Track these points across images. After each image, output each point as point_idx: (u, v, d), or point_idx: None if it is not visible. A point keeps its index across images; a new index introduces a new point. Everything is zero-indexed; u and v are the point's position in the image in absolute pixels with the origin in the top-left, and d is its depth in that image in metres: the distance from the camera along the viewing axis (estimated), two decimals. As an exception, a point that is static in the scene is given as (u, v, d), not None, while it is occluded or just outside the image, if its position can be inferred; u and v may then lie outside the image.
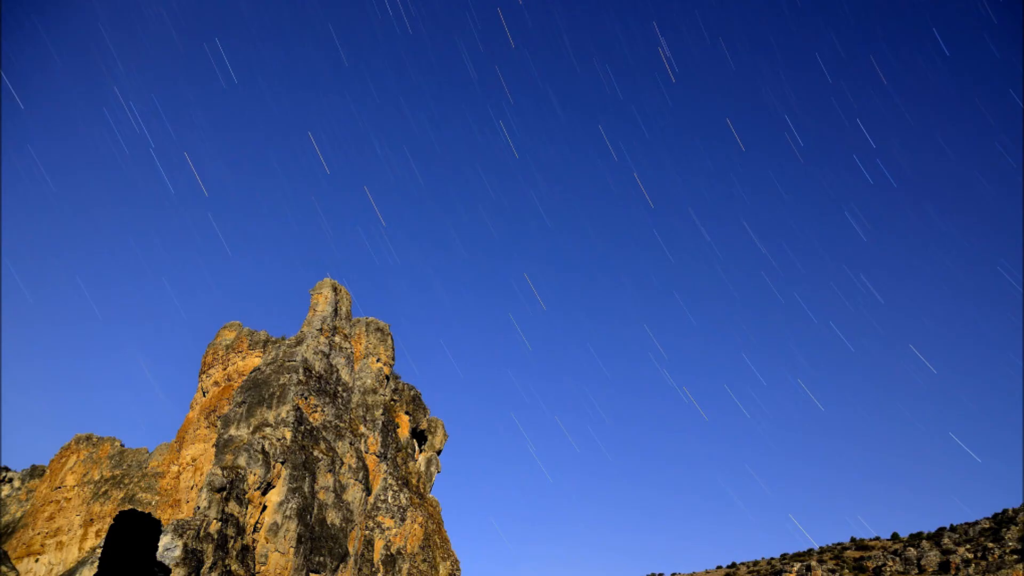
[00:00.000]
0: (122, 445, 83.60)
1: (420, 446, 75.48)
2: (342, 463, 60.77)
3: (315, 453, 58.49)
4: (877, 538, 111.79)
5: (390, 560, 60.65)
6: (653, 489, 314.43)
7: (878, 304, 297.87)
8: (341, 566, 56.25)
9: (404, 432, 71.88)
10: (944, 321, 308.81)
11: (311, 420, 60.46)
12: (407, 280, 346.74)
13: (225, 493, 48.81)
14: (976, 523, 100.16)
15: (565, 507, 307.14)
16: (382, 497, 63.35)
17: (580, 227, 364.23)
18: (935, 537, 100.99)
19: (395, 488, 64.60)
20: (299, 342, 65.51)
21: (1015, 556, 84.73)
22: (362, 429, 65.55)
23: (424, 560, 63.02)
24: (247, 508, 50.95)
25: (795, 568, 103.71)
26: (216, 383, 73.19)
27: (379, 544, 60.80)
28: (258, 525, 51.84)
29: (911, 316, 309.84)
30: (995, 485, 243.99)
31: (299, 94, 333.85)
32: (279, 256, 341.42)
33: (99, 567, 24.28)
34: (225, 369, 73.43)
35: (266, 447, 53.94)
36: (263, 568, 50.47)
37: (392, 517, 62.43)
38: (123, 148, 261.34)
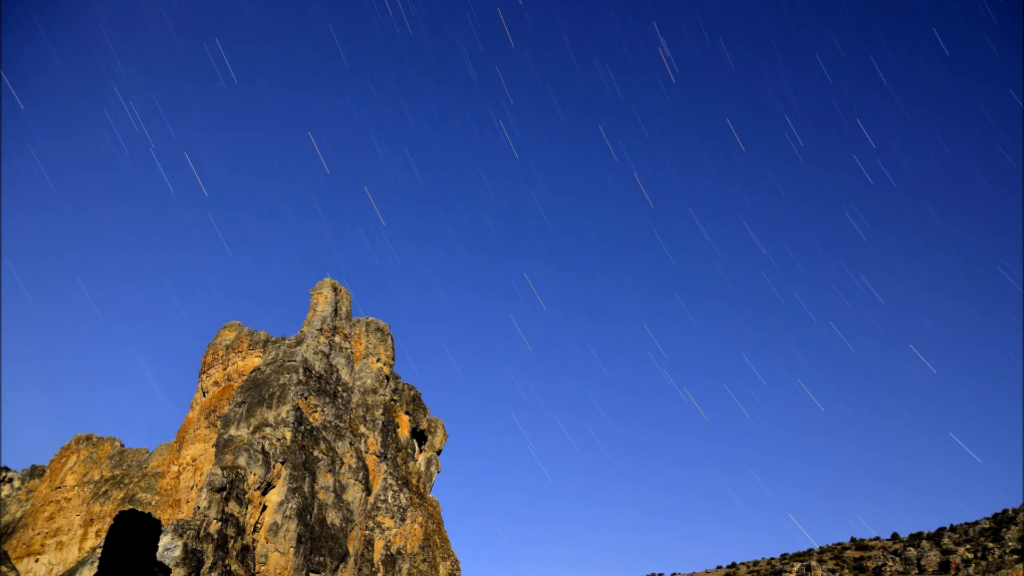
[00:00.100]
0: (122, 445, 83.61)
1: (420, 446, 75.49)
2: (342, 463, 60.77)
3: (315, 453, 58.50)
4: (877, 538, 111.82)
5: (390, 560, 60.66)
6: (653, 489, 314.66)
7: (878, 304, 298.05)
8: (341, 566, 56.25)
9: (404, 432, 71.89)
10: (944, 321, 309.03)
11: (311, 420, 60.47)
12: (407, 280, 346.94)
13: (225, 493, 48.82)
14: (976, 523, 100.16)
15: (565, 507, 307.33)
16: (382, 497, 63.36)
17: (580, 227, 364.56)
18: (935, 537, 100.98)
19: (395, 488, 64.61)
20: (299, 342, 65.52)
21: (1015, 556, 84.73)
22: (362, 429, 65.56)
23: (424, 560, 63.02)
24: (247, 508, 50.96)
25: (795, 568, 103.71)
26: (216, 383, 73.21)
27: (379, 544, 60.81)
28: (258, 525, 51.85)
29: (911, 316, 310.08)
30: (995, 485, 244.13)
31: (299, 94, 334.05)
32: (279, 256, 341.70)
33: (99, 567, 24.28)
34: (225, 369, 73.44)
35: (266, 447, 53.94)
36: (263, 568, 50.48)
37: (392, 517, 62.43)
38: (123, 148, 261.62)
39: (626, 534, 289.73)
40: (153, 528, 25.81)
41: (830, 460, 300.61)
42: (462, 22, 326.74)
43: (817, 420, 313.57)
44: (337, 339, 68.87)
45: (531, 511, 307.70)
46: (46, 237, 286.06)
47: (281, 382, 60.12)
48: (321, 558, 54.58)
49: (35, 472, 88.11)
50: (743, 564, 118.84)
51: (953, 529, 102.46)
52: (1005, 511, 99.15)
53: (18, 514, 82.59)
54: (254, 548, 50.68)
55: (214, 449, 58.86)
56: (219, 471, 49.94)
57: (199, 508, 47.46)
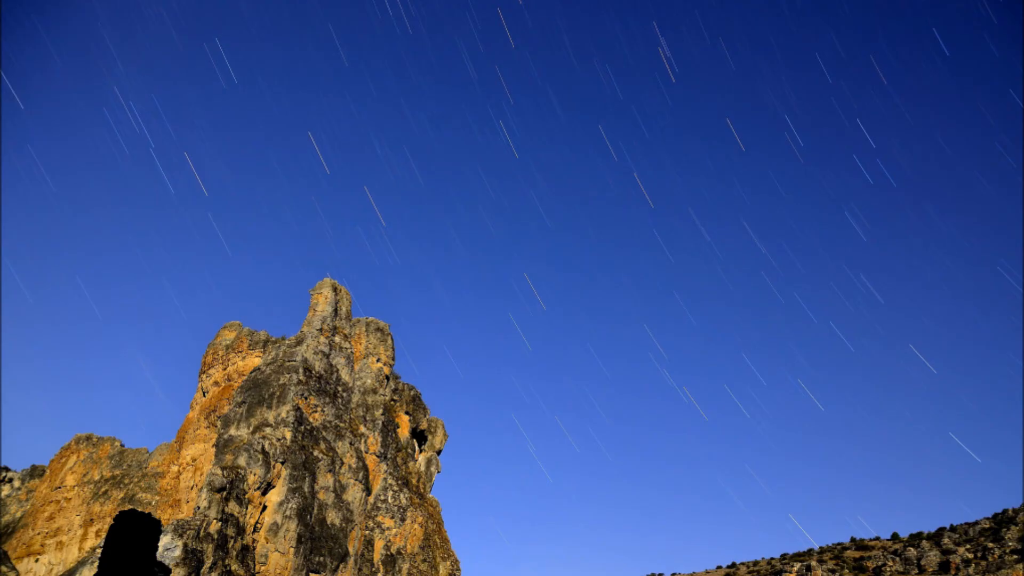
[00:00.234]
0: (122, 445, 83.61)
1: (420, 446, 75.49)
2: (342, 463, 60.77)
3: (315, 453, 58.50)
4: (877, 538, 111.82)
5: (390, 560, 60.66)
6: (653, 489, 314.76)
7: (878, 304, 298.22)
8: (341, 566, 56.25)
9: (404, 432, 71.89)
10: (944, 321, 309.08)
11: (311, 420, 60.47)
12: (407, 280, 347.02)
13: (225, 493, 48.81)
14: (976, 523, 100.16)
15: (565, 507, 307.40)
16: (382, 497, 63.36)
17: (580, 227, 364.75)
18: (935, 537, 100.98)
19: (395, 488, 64.61)
20: (299, 342, 65.52)
21: (1015, 556, 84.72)
22: (362, 429, 65.56)
23: (424, 560, 63.02)
24: (247, 508, 50.95)
25: (795, 568, 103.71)
26: (216, 383, 73.21)
27: (379, 544, 60.81)
28: (258, 525, 51.84)
29: (911, 316, 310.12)
30: (995, 485, 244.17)
31: (299, 94, 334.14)
32: (279, 256, 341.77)
33: (99, 567, 24.28)
34: (225, 369, 73.44)
35: (266, 447, 53.94)
36: (263, 568, 50.48)
37: (392, 517, 62.43)
38: (123, 148, 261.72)
39: (626, 534, 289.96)
40: (153, 528, 25.81)
41: (830, 460, 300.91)
42: (462, 22, 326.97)
43: (817, 420, 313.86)
44: (337, 339, 68.88)
45: (531, 511, 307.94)
46: (46, 237, 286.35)
47: (281, 382, 60.12)
48: (321, 558, 54.58)
49: (35, 472, 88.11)
50: (743, 564, 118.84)
51: (953, 529, 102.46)
52: (1005, 511, 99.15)
53: (18, 514, 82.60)
54: (254, 548, 50.68)
55: (214, 449, 58.86)
56: (219, 471, 49.94)
57: (199, 508, 47.46)
